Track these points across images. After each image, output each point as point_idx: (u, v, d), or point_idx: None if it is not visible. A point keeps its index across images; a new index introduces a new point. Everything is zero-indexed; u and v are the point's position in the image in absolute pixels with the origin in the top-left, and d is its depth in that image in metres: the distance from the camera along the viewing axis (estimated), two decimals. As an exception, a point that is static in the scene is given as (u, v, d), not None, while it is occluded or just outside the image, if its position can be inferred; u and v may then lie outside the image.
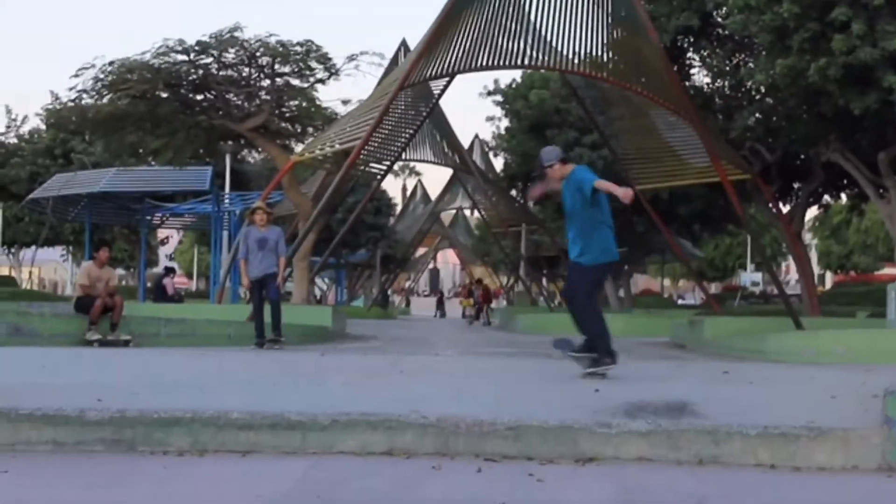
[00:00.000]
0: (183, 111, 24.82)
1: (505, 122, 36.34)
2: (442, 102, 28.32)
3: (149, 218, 36.24)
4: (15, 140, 48.88)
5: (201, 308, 23.72)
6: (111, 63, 23.27)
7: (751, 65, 20.60)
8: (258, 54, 23.87)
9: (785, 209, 26.16)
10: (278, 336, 14.94)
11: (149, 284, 37.01)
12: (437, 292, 68.20)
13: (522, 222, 42.58)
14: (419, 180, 73.15)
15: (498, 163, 43.94)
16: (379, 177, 29.95)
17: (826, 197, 27.83)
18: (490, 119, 38.01)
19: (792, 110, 20.47)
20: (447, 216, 69.10)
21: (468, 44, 20.94)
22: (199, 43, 23.33)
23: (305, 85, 24.94)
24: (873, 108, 17.14)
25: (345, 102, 26.11)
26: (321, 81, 24.75)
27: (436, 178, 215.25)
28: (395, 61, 27.98)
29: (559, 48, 21.09)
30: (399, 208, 64.98)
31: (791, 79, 17.49)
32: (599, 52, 21.56)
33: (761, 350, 15.84)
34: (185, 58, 23.51)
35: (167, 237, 67.35)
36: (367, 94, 24.96)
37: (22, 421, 5.77)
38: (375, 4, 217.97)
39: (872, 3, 16.05)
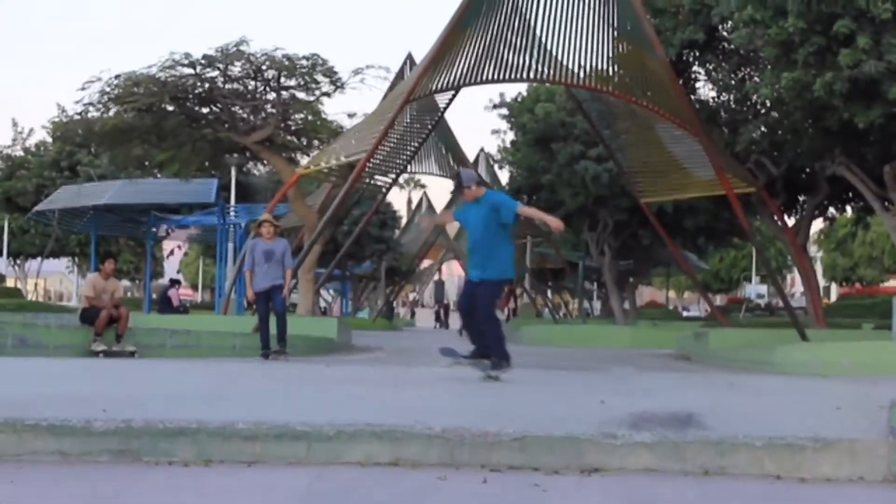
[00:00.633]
0: (189, 124, 24.87)
1: (510, 136, 36.40)
2: (447, 115, 28.38)
3: (154, 230, 36.27)
4: (21, 152, 49.04)
5: (206, 319, 23.74)
6: (117, 76, 23.34)
7: (756, 79, 20.61)
8: (264, 68, 23.92)
9: (790, 222, 26.15)
10: (284, 347, 14.95)
11: (154, 296, 37.03)
12: (440, 304, 68.03)
13: (527, 234, 42.59)
14: (424, 193, 73.12)
15: (503, 176, 43.96)
16: (384, 189, 29.97)
17: (831, 210, 27.82)
18: (495, 132, 38.03)
19: (797, 124, 20.48)
20: (452, 228, 69.03)
21: (474, 57, 20.97)
22: (205, 56, 23.39)
23: (311, 98, 24.98)
24: (878, 122, 17.15)
25: (350, 116, 26.19)
26: (327, 95, 24.80)
27: (441, 190, 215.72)
28: (400, 75, 28.03)
29: (565, 62, 21.12)
30: (404, 221, 64.98)
31: (796, 92, 17.50)
32: (605, 66, 21.58)
33: (767, 362, 15.83)
34: (191, 71, 23.56)
35: (172, 250, 67.37)
36: (373, 107, 24.99)
37: (28, 431, 5.78)
38: (381, 18, 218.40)
39: (878, 16, 16.07)
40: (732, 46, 21.53)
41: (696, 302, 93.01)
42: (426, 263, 77.07)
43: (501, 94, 34.63)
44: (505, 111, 34.07)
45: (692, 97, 22.83)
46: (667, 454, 5.69)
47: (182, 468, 5.64)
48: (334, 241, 35.33)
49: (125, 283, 67.40)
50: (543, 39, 21.10)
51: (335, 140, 23.86)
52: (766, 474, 5.60)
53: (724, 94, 23.25)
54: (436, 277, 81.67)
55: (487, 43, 20.96)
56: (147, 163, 29.30)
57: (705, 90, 24.27)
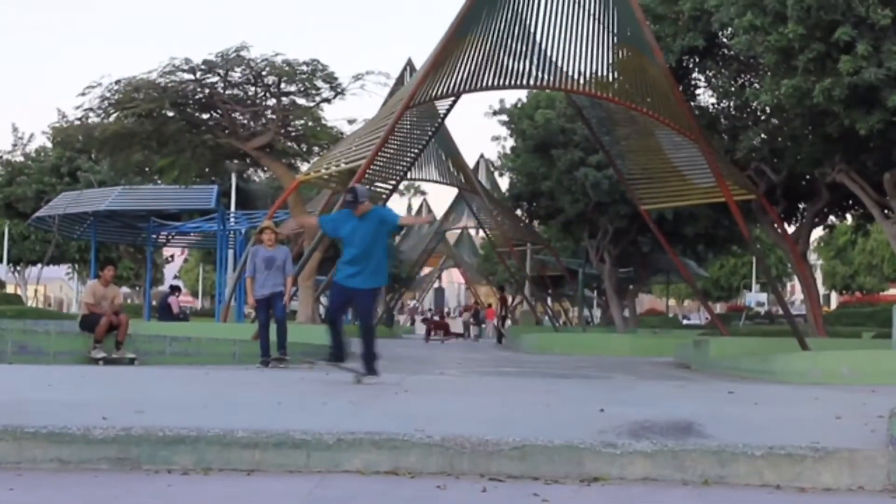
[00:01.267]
0: (189, 130, 24.86)
1: (510, 142, 36.37)
2: (447, 122, 28.37)
3: (154, 236, 36.26)
4: (21, 158, 49.00)
5: (206, 326, 23.73)
6: (118, 82, 23.33)
7: (756, 85, 20.61)
8: (264, 73, 23.92)
9: (790, 230, 26.13)
10: (284, 355, 14.95)
11: (154, 303, 37.02)
12: (437, 311, 67.98)
13: (527, 242, 42.58)
14: (424, 199, 73.17)
15: (503, 182, 43.96)
16: (384, 196, 29.98)
17: (831, 217, 27.79)
18: (495, 139, 37.95)
19: (797, 131, 20.47)
20: (452, 235, 69.10)
21: (474, 64, 20.97)
22: (205, 62, 23.39)
23: (311, 104, 24.97)
24: (878, 129, 17.14)
25: (350, 122, 26.17)
26: (327, 101, 24.79)
27: (441, 197, 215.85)
28: (400, 81, 28.04)
29: (565, 68, 21.12)
30: (404, 228, 64.94)
31: (796, 99, 17.49)
32: (605, 72, 21.58)
33: (766, 370, 15.82)
34: (191, 77, 23.57)
35: (172, 255, 67.36)
36: (373, 113, 25.00)
37: (27, 439, 5.78)
38: (381, 24, 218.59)
39: (878, 23, 16.08)
40: (732, 53, 21.51)
41: (696, 310, 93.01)
42: (426, 271, 77.06)
43: (501, 101, 34.63)
44: (505, 117, 34.05)
45: (692, 104, 22.81)
46: (666, 463, 5.69)
47: (181, 476, 5.64)
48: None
49: (125, 289, 67.42)
50: (543, 46, 21.11)
51: (335, 146, 23.85)
52: (765, 484, 5.60)
53: (723, 100, 23.23)
54: (436, 285, 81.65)
55: (487, 49, 20.97)
56: (147, 169, 29.30)
57: (705, 97, 24.25)
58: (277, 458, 5.78)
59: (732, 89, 21.92)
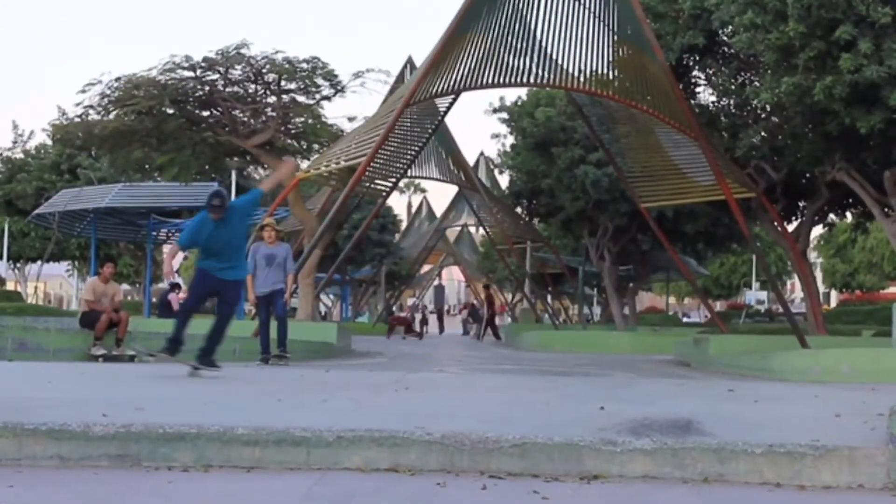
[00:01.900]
0: (189, 127, 24.87)
1: (510, 140, 36.34)
2: (447, 119, 28.36)
3: (154, 233, 36.28)
4: (21, 155, 49.04)
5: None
6: (118, 79, 23.33)
7: (756, 83, 20.61)
8: (264, 71, 23.92)
9: (790, 228, 26.13)
10: (284, 352, 14.96)
11: (154, 300, 37.03)
12: (439, 308, 67.95)
13: (527, 239, 42.58)
14: (424, 197, 73.19)
15: (503, 180, 43.93)
16: (384, 193, 29.98)
17: (831, 216, 27.79)
18: (495, 136, 37.85)
19: (797, 129, 20.47)
20: (452, 233, 69.12)
21: (474, 61, 20.96)
22: (205, 59, 23.39)
23: (311, 102, 24.98)
24: (879, 127, 17.15)
25: (350, 119, 26.16)
26: (327, 98, 24.81)
27: (441, 194, 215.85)
28: (400, 78, 28.02)
29: (565, 66, 21.11)
30: (404, 225, 64.98)
31: (797, 97, 17.49)
32: (605, 70, 21.57)
33: (766, 368, 15.83)
34: (191, 74, 23.57)
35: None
36: (373, 110, 25.00)
37: (27, 436, 5.78)
38: (382, 22, 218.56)
39: (878, 21, 16.08)
40: (732, 51, 21.51)
41: (696, 308, 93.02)
42: (426, 268, 77.07)
43: (501, 98, 34.60)
44: (505, 115, 34.03)
45: (692, 102, 22.80)
46: (666, 461, 5.69)
47: (181, 473, 5.64)
48: (335, 245, 35.35)
49: (125, 286, 67.42)
50: (544, 43, 21.10)
51: (335, 144, 23.85)
52: (765, 482, 5.60)
53: (724, 98, 23.23)
54: (436, 282, 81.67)
55: (488, 47, 20.95)
56: (147, 166, 29.30)
57: (705, 95, 24.25)
58: (277, 456, 5.78)
59: (732, 87, 21.91)
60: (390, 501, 5.09)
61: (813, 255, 68.37)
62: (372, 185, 28.27)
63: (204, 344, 11.07)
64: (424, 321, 67.24)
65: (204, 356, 10.96)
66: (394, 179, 28.74)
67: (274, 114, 24.50)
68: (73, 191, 34.92)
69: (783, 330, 24.02)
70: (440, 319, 64.09)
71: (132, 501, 5.02)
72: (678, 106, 20.46)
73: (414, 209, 75.58)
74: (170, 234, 38.70)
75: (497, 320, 65.92)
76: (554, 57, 21.08)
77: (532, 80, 21.89)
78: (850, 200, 25.16)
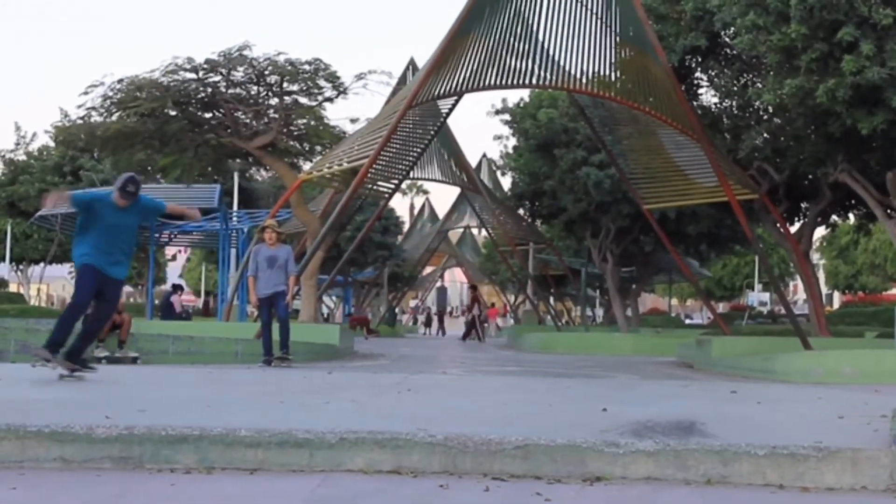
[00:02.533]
0: (191, 129, 24.87)
1: (512, 141, 36.35)
2: (450, 121, 28.36)
3: (157, 235, 36.26)
4: (24, 157, 49.10)
5: (209, 325, 23.75)
6: (120, 81, 23.35)
7: (759, 85, 20.59)
8: (267, 73, 23.92)
9: (793, 229, 26.11)
10: (286, 354, 14.97)
11: (156, 302, 37.03)
12: (441, 310, 67.98)
13: (530, 241, 42.58)
14: (427, 199, 73.22)
15: (505, 182, 43.93)
16: (387, 195, 29.99)
17: (834, 217, 27.77)
18: (498, 138, 37.82)
19: (800, 130, 20.46)
20: (455, 235, 69.14)
21: (476, 63, 20.97)
22: (207, 61, 23.40)
23: (314, 103, 24.97)
24: (881, 128, 17.14)
25: (353, 121, 26.15)
26: (329, 100, 24.80)
27: (443, 196, 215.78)
28: (403, 80, 28.03)
29: (567, 67, 21.12)
30: (407, 227, 64.99)
31: (799, 99, 17.48)
32: (607, 72, 21.58)
33: (769, 370, 15.82)
34: (193, 76, 23.58)
35: (174, 254, 67.41)
36: (376, 112, 24.99)
37: (30, 438, 5.78)
38: (384, 24, 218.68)
39: (881, 23, 16.07)
40: (735, 52, 21.50)
41: (698, 309, 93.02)
42: (428, 270, 77.08)
43: (504, 100, 34.60)
44: (507, 117, 34.04)
45: (694, 103, 22.79)
46: (669, 463, 5.69)
47: (184, 475, 5.65)
48: (337, 247, 35.34)
49: (127, 288, 67.47)
50: (546, 45, 21.11)
51: (338, 145, 23.85)
52: (768, 483, 5.60)
53: (726, 100, 23.21)
54: (438, 284, 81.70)
55: (490, 48, 20.96)
56: (150, 168, 29.30)
57: (707, 96, 24.24)
58: (280, 458, 5.79)
59: (735, 89, 21.90)
60: (393, 503, 5.09)
61: (815, 257, 68.33)
62: (374, 187, 28.29)
63: (76, 343, 10.27)
64: (429, 322, 67.26)
65: (75, 356, 10.17)
66: (396, 181, 28.77)
67: (276, 115, 24.51)
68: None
69: (786, 331, 24.00)
70: (441, 321, 64.13)
71: (135, 503, 5.02)
72: (680, 107, 20.46)
73: (416, 211, 75.56)
74: (172, 236, 38.72)
75: (500, 322, 66.10)
76: (556, 58, 21.08)
77: (534, 81, 21.89)
78: (853, 202, 25.14)
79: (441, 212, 62.50)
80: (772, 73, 18.49)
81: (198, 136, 25.05)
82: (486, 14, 20.78)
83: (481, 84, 21.14)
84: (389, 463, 5.76)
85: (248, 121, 24.71)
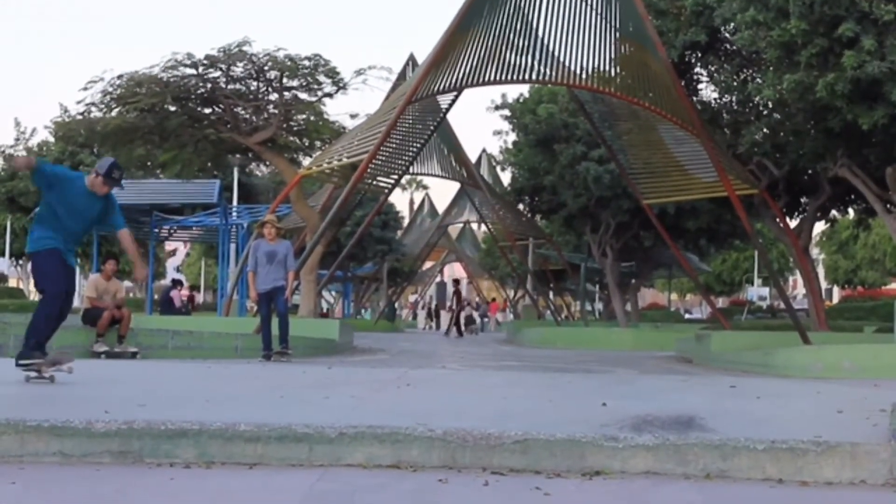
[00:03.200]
0: (191, 124, 24.87)
1: (512, 137, 36.34)
2: (449, 116, 28.36)
3: (157, 231, 36.29)
4: (24, 152, 49.07)
5: (209, 321, 23.75)
6: (120, 76, 23.34)
7: (758, 80, 20.57)
8: (266, 68, 23.92)
9: (792, 224, 26.11)
10: (286, 349, 14.96)
11: (156, 297, 37.05)
12: (440, 305, 68.04)
13: (529, 236, 42.58)
14: (426, 194, 73.18)
15: (505, 177, 43.91)
16: (386, 190, 29.99)
17: (833, 212, 27.77)
18: (497, 133, 37.87)
19: (799, 125, 20.45)
20: (454, 230, 69.10)
21: (476, 58, 20.96)
22: (207, 57, 23.39)
23: (313, 99, 24.98)
24: (881, 123, 17.14)
25: (353, 116, 26.13)
26: (329, 95, 24.80)
27: (443, 191, 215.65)
28: (402, 76, 28.02)
29: (567, 63, 21.11)
30: (406, 222, 64.98)
31: (799, 94, 17.48)
32: (607, 67, 21.57)
33: (768, 364, 15.83)
34: (193, 71, 23.57)
35: (175, 249, 67.40)
36: (375, 108, 24.98)
37: (29, 433, 5.79)
38: (383, 19, 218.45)
39: (881, 18, 16.07)
40: (735, 48, 21.49)
41: (698, 304, 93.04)
42: (428, 265, 77.04)
43: (503, 95, 34.61)
44: (507, 112, 34.03)
45: (694, 98, 22.79)
46: (668, 457, 5.69)
47: (184, 469, 5.65)
48: (337, 242, 35.34)
49: (127, 283, 67.48)
50: (546, 40, 21.10)
51: (337, 141, 23.85)
52: (767, 478, 5.60)
53: (726, 95, 23.21)
54: (437, 279, 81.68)
55: (490, 44, 20.96)
56: (149, 163, 29.31)
57: (707, 91, 24.24)
58: (280, 452, 5.79)
59: (735, 84, 21.89)
60: (392, 498, 5.10)
61: (815, 252, 68.37)
62: (374, 182, 28.28)
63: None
64: (430, 315, 67.22)
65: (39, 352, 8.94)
66: (396, 176, 28.75)
67: (276, 111, 24.51)
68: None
69: (785, 326, 24.01)
70: (437, 317, 64.12)
71: (134, 498, 5.02)
72: (680, 103, 20.46)
73: (416, 206, 75.56)
74: (172, 232, 38.73)
75: (499, 317, 66.07)
76: (556, 54, 21.08)
77: (534, 76, 21.90)
78: (853, 197, 25.14)
79: (441, 207, 62.55)
80: (772, 68, 18.48)
81: (197, 131, 25.04)
82: (486, 10, 20.77)
83: (481, 80, 21.14)
84: (389, 457, 5.76)
85: (247, 116, 24.70)
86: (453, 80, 21.30)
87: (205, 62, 23.41)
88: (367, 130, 21.77)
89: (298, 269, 18.20)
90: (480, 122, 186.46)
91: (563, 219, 35.93)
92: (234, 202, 36.39)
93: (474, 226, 66.41)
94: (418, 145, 27.37)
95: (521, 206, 38.52)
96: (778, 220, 24.60)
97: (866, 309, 39.35)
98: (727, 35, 21.66)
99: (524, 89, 34.71)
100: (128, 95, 23.08)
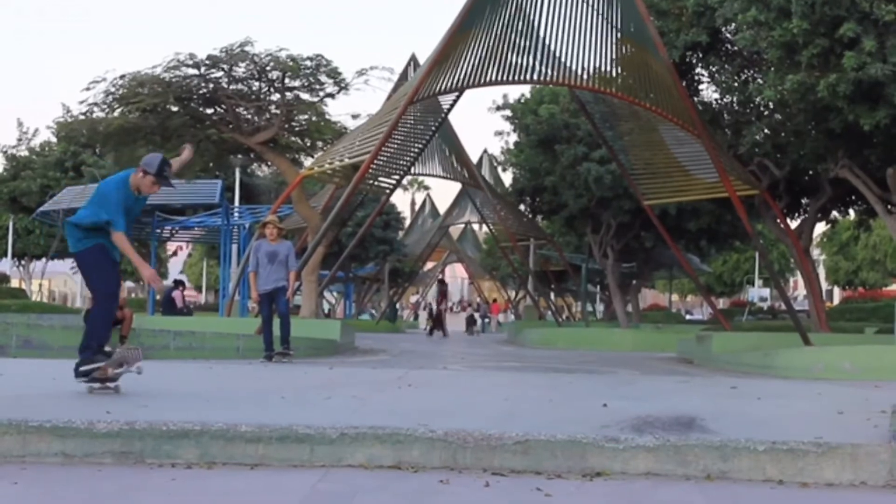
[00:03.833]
0: (193, 125, 24.88)
1: (513, 137, 36.34)
2: (451, 117, 28.35)
3: (159, 231, 36.31)
4: (26, 153, 49.12)
5: (210, 321, 23.75)
6: (122, 77, 23.36)
7: (759, 81, 20.57)
8: (268, 68, 23.92)
9: (793, 225, 26.11)
10: (287, 349, 14.96)
11: (158, 297, 37.07)
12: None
13: (531, 237, 42.57)
14: (428, 194, 73.16)
15: (506, 177, 43.92)
16: (388, 191, 29.99)
17: (834, 213, 27.76)
18: (499, 134, 37.87)
19: (800, 126, 20.46)
20: (456, 230, 69.10)
21: (477, 59, 20.97)
22: (209, 57, 23.40)
23: (315, 99, 24.98)
24: (883, 124, 17.14)
25: (354, 117, 26.13)
26: (331, 96, 24.81)
27: (445, 192, 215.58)
28: (404, 76, 28.02)
29: (568, 63, 21.12)
30: (408, 222, 64.97)
31: (800, 95, 17.48)
32: (608, 68, 21.58)
33: (769, 365, 15.83)
34: (195, 72, 23.58)
35: (175, 250, 67.38)
36: (377, 108, 24.99)
37: (31, 433, 5.80)
38: (385, 20, 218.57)
39: (882, 18, 16.07)
40: (736, 48, 21.49)
41: (699, 305, 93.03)
42: (429, 265, 77.04)
43: (505, 96, 34.61)
44: (508, 113, 34.04)
45: (695, 99, 22.79)
46: (669, 458, 5.70)
47: (185, 470, 5.66)
48: (338, 243, 35.36)
49: (129, 283, 67.48)
50: (547, 41, 21.11)
51: (339, 141, 23.86)
52: (768, 479, 5.61)
53: (727, 96, 23.21)
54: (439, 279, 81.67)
55: (491, 44, 20.97)
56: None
57: (708, 92, 24.25)
58: (281, 453, 5.80)
59: (736, 85, 21.90)
60: (393, 498, 5.11)
61: (816, 253, 68.31)
62: (375, 183, 28.28)
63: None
64: (432, 315, 67.14)
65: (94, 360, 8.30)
66: (397, 177, 28.75)
67: (278, 111, 24.51)
68: (77, 188, 34.95)
69: (786, 327, 24.01)
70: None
71: (136, 499, 5.03)
72: (681, 103, 20.46)
73: (417, 206, 75.53)
74: (174, 232, 38.74)
75: (501, 318, 66.06)
76: (557, 54, 21.09)
77: (535, 77, 21.91)
78: (853, 197, 25.14)
79: (442, 207, 62.53)
80: (773, 68, 18.48)
81: (199, 131, 25.05)
82: (488, 10, 20.78)
83: (482, 80, 21.15)
84: (390, 458, 5.77)
85: (249, 116, 24.72)
86: (455, 81, 21.31)
87: (207, 62, 23.42)
88: (369, 131, 21.77)
89: (300, 269, 18.20)
90: (482, 122, 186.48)
91: (565, 219, 35.93)
92: (236, 202, 36.39)
93: (475, 226, 66.42)
94: (420, 146, 27.37)
95: (522, 207, 38.52)
96: (779, 220, 24.60)
97: (867, 310, 39.32)
98: (728, 35, 21.66)
99: (525, 90, 34.73)
100: (130, 95, 23.09)
